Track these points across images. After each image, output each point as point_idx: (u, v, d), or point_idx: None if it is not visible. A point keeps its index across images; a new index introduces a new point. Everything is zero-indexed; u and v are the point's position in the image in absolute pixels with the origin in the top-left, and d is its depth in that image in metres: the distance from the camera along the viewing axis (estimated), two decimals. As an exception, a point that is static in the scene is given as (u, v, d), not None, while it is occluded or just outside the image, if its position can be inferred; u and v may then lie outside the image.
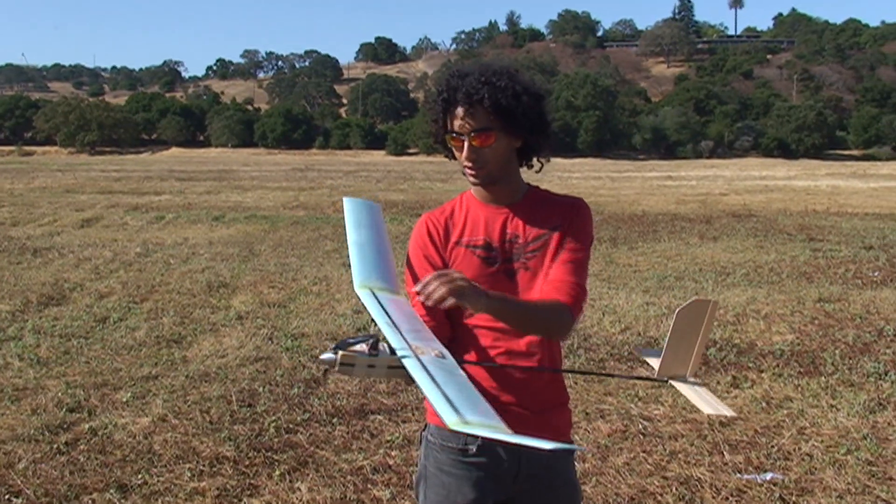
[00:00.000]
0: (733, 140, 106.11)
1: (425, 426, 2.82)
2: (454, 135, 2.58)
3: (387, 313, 2.34)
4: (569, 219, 2.69)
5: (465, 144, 2.56)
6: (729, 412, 2.82)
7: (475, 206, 2.72)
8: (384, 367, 2.03)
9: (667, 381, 2.82)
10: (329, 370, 2.06)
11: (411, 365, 2.06)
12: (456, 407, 1.94)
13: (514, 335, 2.65)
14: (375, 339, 2.10)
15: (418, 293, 2.22)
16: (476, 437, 2.63)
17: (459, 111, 2.55)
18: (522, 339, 2.66)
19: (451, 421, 1.89)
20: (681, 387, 2.80)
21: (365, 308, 2.46)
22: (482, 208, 2.70)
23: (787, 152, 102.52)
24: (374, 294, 2.52)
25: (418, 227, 2.77)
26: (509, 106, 2.55)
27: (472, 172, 2.60)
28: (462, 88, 2.54)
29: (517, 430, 2.62)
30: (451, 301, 2.19)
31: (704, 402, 2.72)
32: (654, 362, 2.88)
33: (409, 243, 2.80)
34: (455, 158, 2.66)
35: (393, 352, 2.11)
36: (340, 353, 1.99)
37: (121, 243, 17.00)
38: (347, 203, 2.97)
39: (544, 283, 2.64)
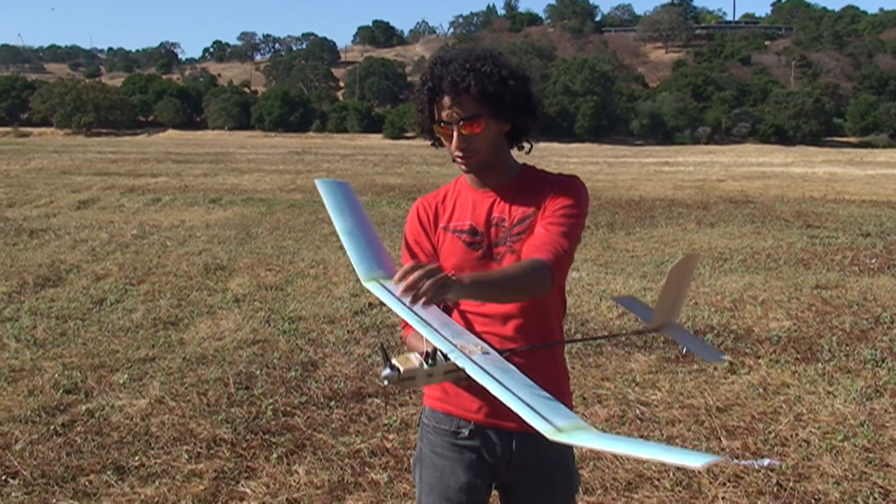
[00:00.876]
0: (731, 126, 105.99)
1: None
2: (442, 124, 2.55)
3: (411, 310, 2.30)
4: (555, 192, 2.63)
5: (455, 133, 2.53)
6: (725, 356, 2.92)
7: (466, 190, 2.72)
8: (441, 374, 2.04)
9: (658, 331, 2.83)
10: (391, 384, 2.06)
11: (472, 370, 2.06)
12: (542, 414, 1.95)
13: (500, 321, 2.64)
14: (433, 350, 2.09)
15: (402, 290, 2.09)
16: (469, 420, 2.67)
17: (446, 100, 2.52)
18: (508, 324, 2.64)
19: (548, 431, 1.89)
20: (675, 335, 2.83)
21: (378, 299, 2.44)
22: (471, 192, 2.70)
23: (785, 139, 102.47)
24: (383, 286, 2.49)
25: (411, 213, 2.80)
26: (496, 91, 2.52)
27: (463, 160, 2.58)
28: (447, 77, 2.51)
29: (503, 413, 2.65)
30: (432, 298, 2.08)
31: (702, 350, 2.82)
32: (638, 311, 2.94)
33: (404, 228, 2.82)
34: (443, 146, 2.64)
35: (445, 357, 2.09)
36: (402, 368, 2.01)
37: (117, 225, 16.97)
38: (322, 185, 2.93)
39: (526, 245, 2.58)
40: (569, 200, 2.60)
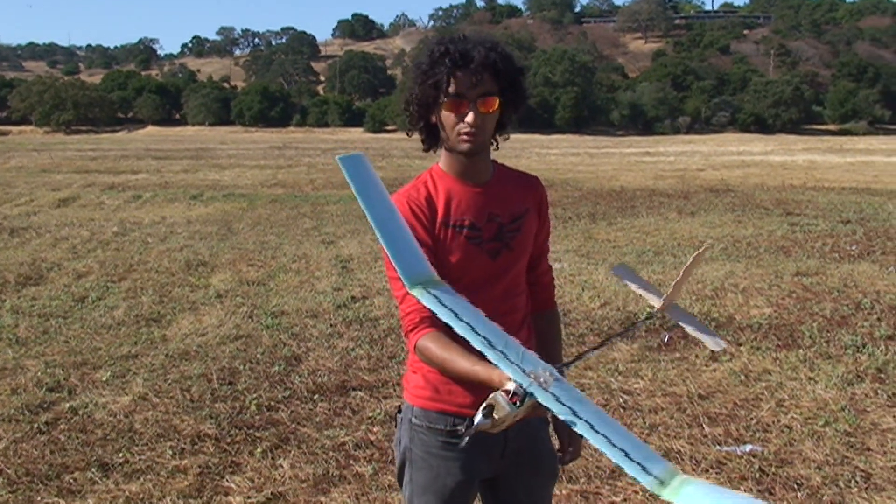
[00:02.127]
0: (710, 116, 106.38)
1: (399, 408, 2.78)
2: (459, 97, 2.51)
3: (471, 327, 2.20)
4: (538, 201, 2.77)
5: (471, 109, 2.51)
6: (724, 343, 2.92)
7: (450, 182, 2.65)
8: (524, 412, 2.00)
9: (663, 315, 2.87)
10: (485, 428, 2.01)
11: (556, 408, 1.96)
12: (642, 465, 1.84)
13: (501, 302, 2.67)
14: (523, 393, 2.03)
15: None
16: (464, 416, 2.59)
17: (468, 74, 2.49)
18: (508, 304, 2.70)
19: (652, 486, 1.79)
20: (680, 318, 2.87)
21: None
22: (458, 185, 2.64)
23: (764, 127, 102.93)
24: (432, 294, 2.28)
25: (401, 209, 2.58)
26: (513, 77, 2.56)
27: (470, 138, 2.54)
28: (473, 51, 2.49)
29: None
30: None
31: (705, 334, 2.85)
32: (635, 282, 2.98)
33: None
34: (428, 129, 2.64)
35: (527, 394, 2.02)
36: (499, 415, 1.97)
37: (98, 222, 16.91)
38: (344, 164, 2.62)
39: (537, 286, 2.88)
40: (548, 217, 2.85)
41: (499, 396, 2.00)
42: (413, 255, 2.34)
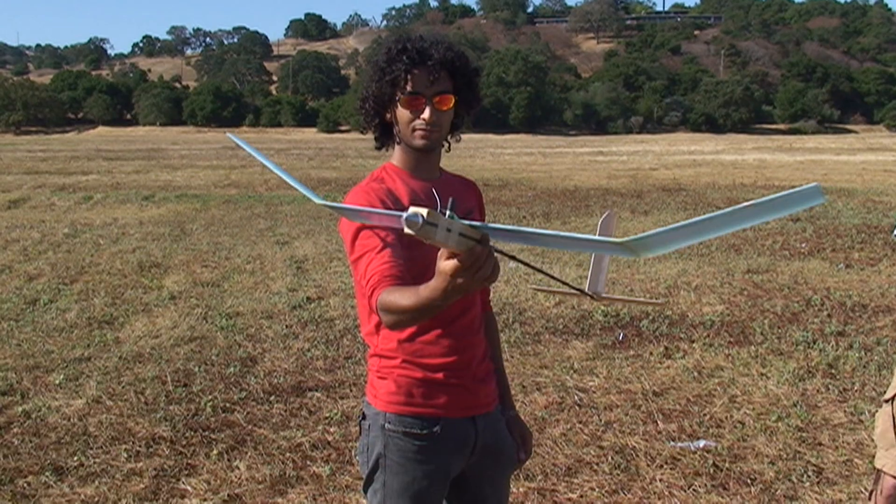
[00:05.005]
0: (662, 115, 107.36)
1: (363, 415, 2.73)
2: (415, 94, 2.54)
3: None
4: (479, 202, 2.89)
5: (427, 106, 2.54)
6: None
7: (405, 177, 2.67)
8: (457, 233, 1.87)
9: (596, 298, 2.92)
10: (410, 230, 1.83)
11: (492, 233, 1.89)
12: (600, 240, 1.73)
13: (470, 309, 2.71)
14: (452, 203, 1.92)
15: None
16: (439, 417, 2.63)
17: (425, 72, 2.53)
18: (468, 315, 2.70)
19: (616, 242, 1.66)
20: (612, 298, 2.93)
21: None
22: (412, 181, 2.67)
23: (715, 127, 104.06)
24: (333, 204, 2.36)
25: (369, 201, 2.55)
26: (468, 76, 2.62)
27: (426, 134, 2.57)
28: (431, 50, 2.55)
29: (468, 401, 2.69)
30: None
31: (643, 299, 2.94)
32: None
33: (349, 219, 2.56)
34: (367, 125, 2.68)
35: (452, 214, 1.90)
36: (426, 211, 1.81)
37: (49, 224, 16.71)
38: (235, 138, 2.81)
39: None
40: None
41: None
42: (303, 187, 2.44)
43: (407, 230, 1.75)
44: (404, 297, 2.17)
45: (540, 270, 2.39)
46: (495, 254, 1.90)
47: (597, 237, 1.69)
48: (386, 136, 2.70)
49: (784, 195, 1.44)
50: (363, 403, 2.78)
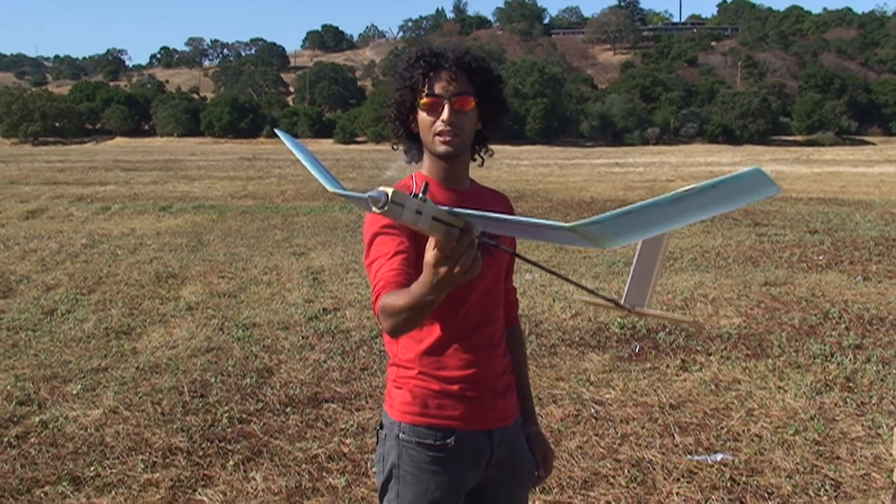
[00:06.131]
0: (679, 127, 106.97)
1: (381, 424, 2.75)
2: (434, 96, 2.55)
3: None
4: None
5: (446, 107, 2.54)
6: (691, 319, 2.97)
7: (432, 187, 2.65)
8: (429, 217, 1.85)
9: (632, 310, 2.89)
10: (375, 207, 1.80)
11: (468, 217, 1.88)
12: (553, 224, 1.69)
13: (478, 308, 2.69)
14: (424, 186, 1.90)
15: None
16: (454, 428, 2.63)
17: (443, 75, 2.55)
18: (487, 329, 2.71)
19: (566, 227, 1.64)
20: (647, 312, 2.90)
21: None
22: (439, 189, 2.67)
23: (732, 138, 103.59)
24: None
25: None
26: (489, 80, 2.62)
27: (448, 138, 2.57)
28: (448, 54, 2.56)
29: (484, 414, 2.69)
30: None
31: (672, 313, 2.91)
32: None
33: (370, 222, 2.57)
34: (407, 136, 2.67)
35: (425, 197, 1.88)
36: (391, 190, 1.79)
37: (66, 234, 16.79)
38: (283, 135, 2.75)
39: (505, 303, 2.86)
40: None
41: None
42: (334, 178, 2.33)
43: (373, 208, 1.75)
44: (399, 298, 2.17)
45: (569, 280, 2.42)
46: (519, 260, 1.90)
47: (548, 222, 1.67)
48: (414, 147, 2.71)
49: (726, 179, 1.43)
50: (381, 413, 2.79)
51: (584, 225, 1.58)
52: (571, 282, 2.46)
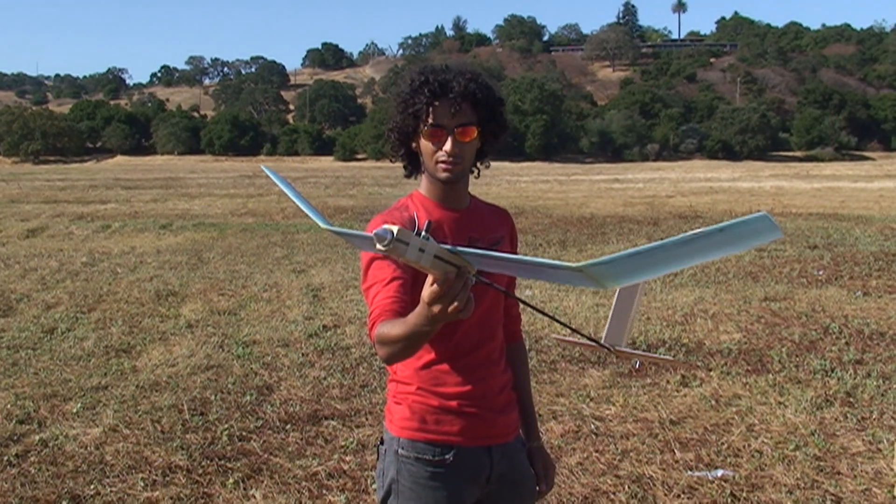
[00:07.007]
0: (678, 143, 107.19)
1: (381, 440, 2.76)
2: (437, 127, 2.54)
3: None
4: (510, 232, 2.87)
5: (449, 140, 2.54)
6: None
7: (430, 206, 2.68)
8: (431, 256, 1.86)
9: (612, 350, 2.90)
10: (380, 245, 1.80)
11: (467, 255, 1.89)
12: (560, 265, 1.68)
13: (479, 327, 2.69)
14: (428, 225, 1.90)
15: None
16: (452, 444, 2.63)
17: (446, 104, 2.53)
18: (486, 346, 2.72)
19: (574, 267, 1.64)
20: (627, 351, 2.91)
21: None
22: (438, 209, 2.67)
23: (732, 154, 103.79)
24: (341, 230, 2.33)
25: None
26: (491, 106, 2.60)
27: (450, 167, 2.57)
28: (452, 82, 2.53)
29: (483, 430, 2.68)
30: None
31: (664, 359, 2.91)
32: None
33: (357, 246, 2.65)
34: (409, 155, 2.67)
35: (427, 234, 1.89)
36: (397, 228, 1.79)
37: (67, 253, 16.80)
38: (267, 170, 2.75)
39: (506, 318, 2.90)
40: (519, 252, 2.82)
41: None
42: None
43: (378, 246, 1.76)
44: (395, 327, 2.17)
45: (554, 318, 2.41)
46: (517, 301, 1.89)
47: (555, 262, 1.68)
48: (414, 164, 2.72)
49: (733, 223, 1.45)
50: (382, 429, 2.79)
51: (593, 265, 1.59)
52: (557, 321, 2.46)
